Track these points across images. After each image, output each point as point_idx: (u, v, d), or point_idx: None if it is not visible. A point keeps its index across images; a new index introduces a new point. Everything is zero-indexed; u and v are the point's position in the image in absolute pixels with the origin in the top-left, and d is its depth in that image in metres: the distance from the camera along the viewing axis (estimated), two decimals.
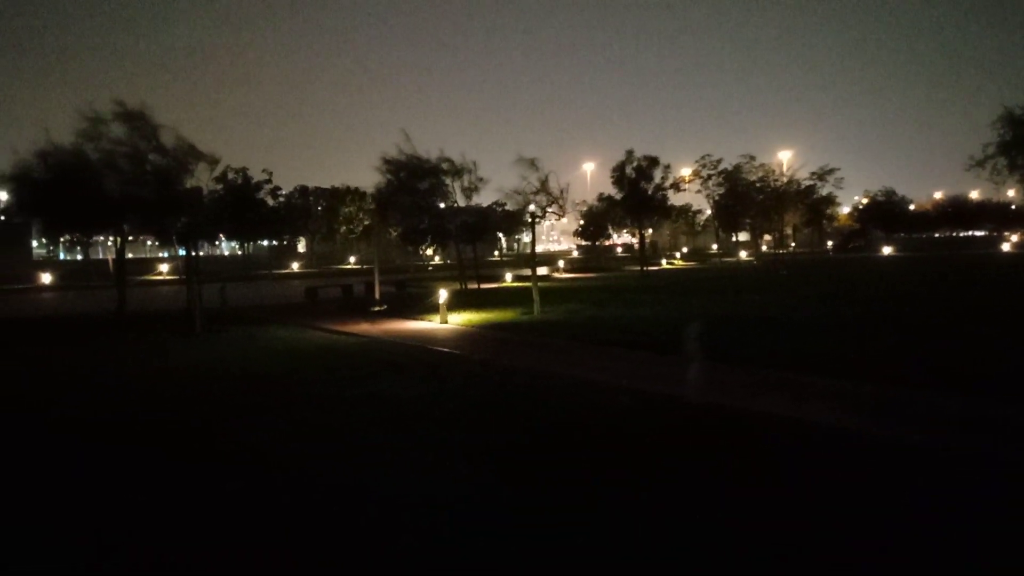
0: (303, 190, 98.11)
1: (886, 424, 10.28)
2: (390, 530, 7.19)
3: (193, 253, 29.34)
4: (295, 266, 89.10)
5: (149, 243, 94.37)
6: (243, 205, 61.12)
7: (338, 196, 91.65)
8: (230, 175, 64.63)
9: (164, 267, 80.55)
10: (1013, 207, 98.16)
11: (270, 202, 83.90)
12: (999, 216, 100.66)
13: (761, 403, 11.81)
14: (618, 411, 11.88)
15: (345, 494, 8.26)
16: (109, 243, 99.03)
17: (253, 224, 68.75)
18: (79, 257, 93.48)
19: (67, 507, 8.29)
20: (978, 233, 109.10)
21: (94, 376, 17.44)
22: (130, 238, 40.79)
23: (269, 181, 79.53)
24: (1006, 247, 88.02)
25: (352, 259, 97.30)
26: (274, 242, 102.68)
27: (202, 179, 29.49)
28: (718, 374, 13.38)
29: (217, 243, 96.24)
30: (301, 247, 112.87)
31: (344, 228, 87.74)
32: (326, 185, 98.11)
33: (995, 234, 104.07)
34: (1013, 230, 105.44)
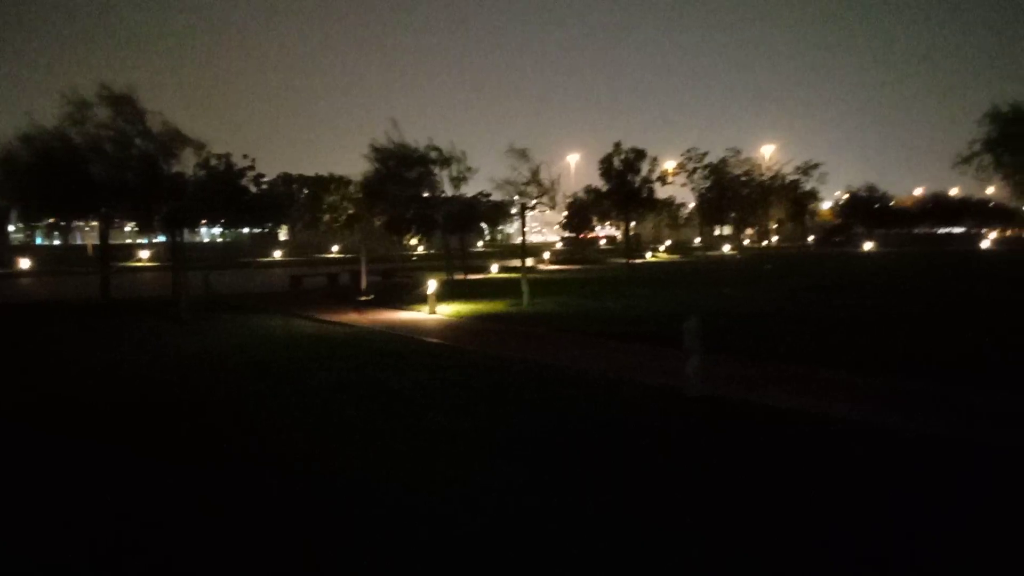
0: (286, 177, 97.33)
1: (885, 413, 10.29)
2: (414, 530, 7.08)
3: (178, 239, 29.01)
4: (277, 254, 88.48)
5: (128, 229, 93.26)
6: (226, 191, 60.43)
7: (322, 184, 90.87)
8: (212, 161, 63.85)
9: (144, 253, 79.70)
10: (992, 204, 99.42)
11: (253, 189, 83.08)
12: (979, 213, 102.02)
13: (755, 394, 11.79)
14: (620, 401, 11.84)
15: (365, 489, 8.13)
16: (87, 228, 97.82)
17: (236, 211, 68.05)
18: (56, 243, 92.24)
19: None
20: (957, 230, 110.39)
21: (78, 363, 17.15)
22: (114, 223, 40.23)
23: (252, 168, 78.45)
24: (985, 244, 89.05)
25: (335, 248, 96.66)
26: (256, 229, 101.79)
27: (187, 164, 29.17)
28: (717, 367, 13.34)
29: (198, 230, 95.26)
30: (283, 235, 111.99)
31: (328, 216, 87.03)
32: (310, 173, 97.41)
33: (975, 231, 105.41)
34: (992, 227, 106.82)
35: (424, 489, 7.93)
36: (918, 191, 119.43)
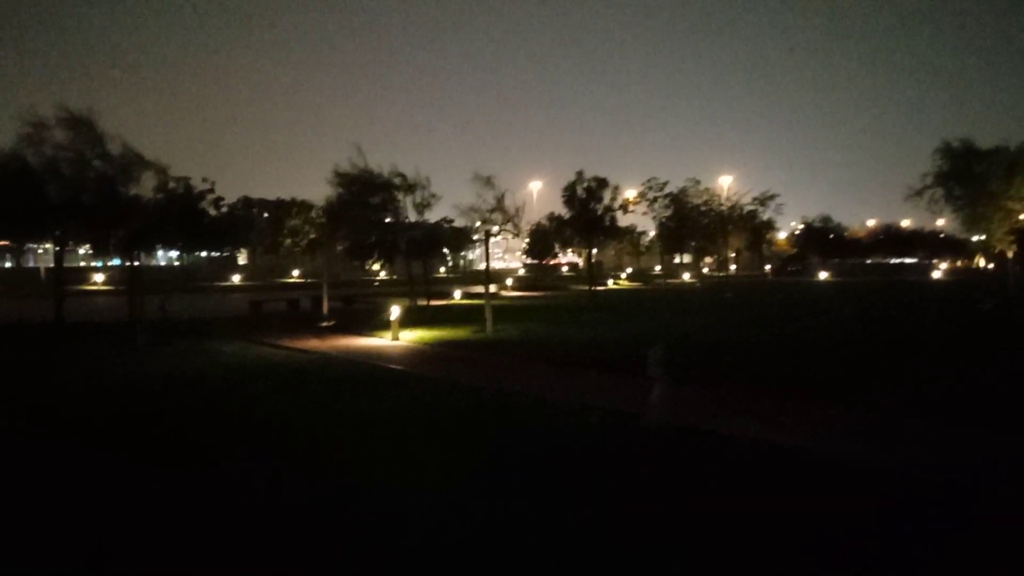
0: (247, 201, 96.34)
1: (830, 441, 10.48)
2: (376, 551, 7.00)
3: (134, 263, 28.51)
4: (236, 278, 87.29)
5: (83, 251, 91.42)
6: (184, 214, 59.63)
7: (284, 208, 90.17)
8: (171, 184, 63.02)
9: (99, 277, 78.05)
10: (943, 235, 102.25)
11: (212, 212, 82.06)
12: (930, 244, 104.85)
13: (719, 423, 11.92)
14: (584, 430, 11.86)
15: (321, 515, 8.02)
16: (40, 251, 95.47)
17: (194, 234, 67.18)
18: (8, 264, 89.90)
19: None
20: (909, 260, 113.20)
21: (29, 390, 16.69)
22: (69, 245, 39.37)
23: (212, 191, 77.74)
24: (936, 274, 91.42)
25: (296, 272, 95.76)
26: (215, 253, 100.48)
27: (146, 188, 28.77)
28: (681, 395, 13.45)
29: (155, 253, 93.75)
30: (242, 259, 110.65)
31: (289, 241, 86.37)
32: (271, 197, 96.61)
33: (926, 261, 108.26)
34: (942, 258, 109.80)
35: (376, 513, 7.86)
36: (871, 222, 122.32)
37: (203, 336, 27.42)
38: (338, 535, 7.48)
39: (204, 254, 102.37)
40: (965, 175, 39.16)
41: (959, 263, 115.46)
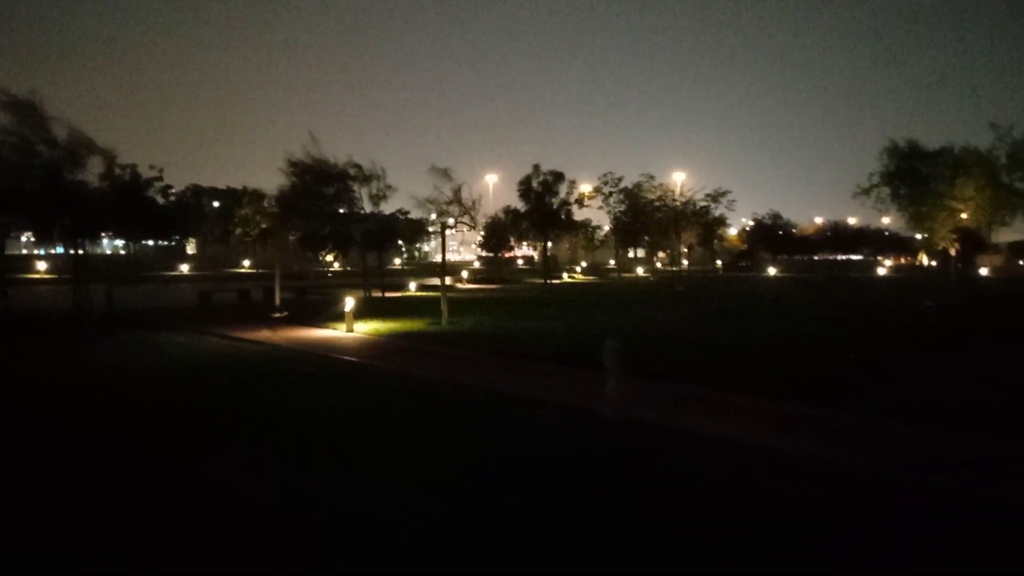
0: (196, 189, 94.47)
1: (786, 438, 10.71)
2: (328, 548, 6.93)
3: (80, 252, 27.72)
4: (185, 268, 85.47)
5: (24, 239, 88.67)
6: (131, 202, 58.16)
7: (235, 197, 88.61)
8: (117, 171, 61.39)
9: (42, 265, 75.78)
10: (888, 233, 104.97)
11: (160, 200, 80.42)
12: (876, 241, 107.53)
13: (674, 417, 12.07)
14: (538, 423, 11.90)
15: (278, 512, 7.91)
16: None
17: (141, 223, 65.61)
18: None
19: None
20: (856, 257, 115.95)
21: None
22: (10, 233, 38.12)
23: (160, 178, 76.38)
24: (881, 271, 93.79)
25: (247, 263, 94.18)
26: (163, 242, 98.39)
27: (91, 174, 27.90)
28: (633, 389, 13.58)
29: (101, 242, 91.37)
30: (191, 249, 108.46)
31: (240, 230, 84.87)
32: (222, 185, 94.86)
33: (872, 258, 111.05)
34: (887, 255, 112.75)
35: (321, 506, 7.79)
36: (819, 220, 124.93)
37: (151, 327, 26.79)
38: (284, 528, 7.40)
39: (152, 243, 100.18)
40: (911, 175, 40.25)
41: (903, 260, 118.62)
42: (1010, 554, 6.92)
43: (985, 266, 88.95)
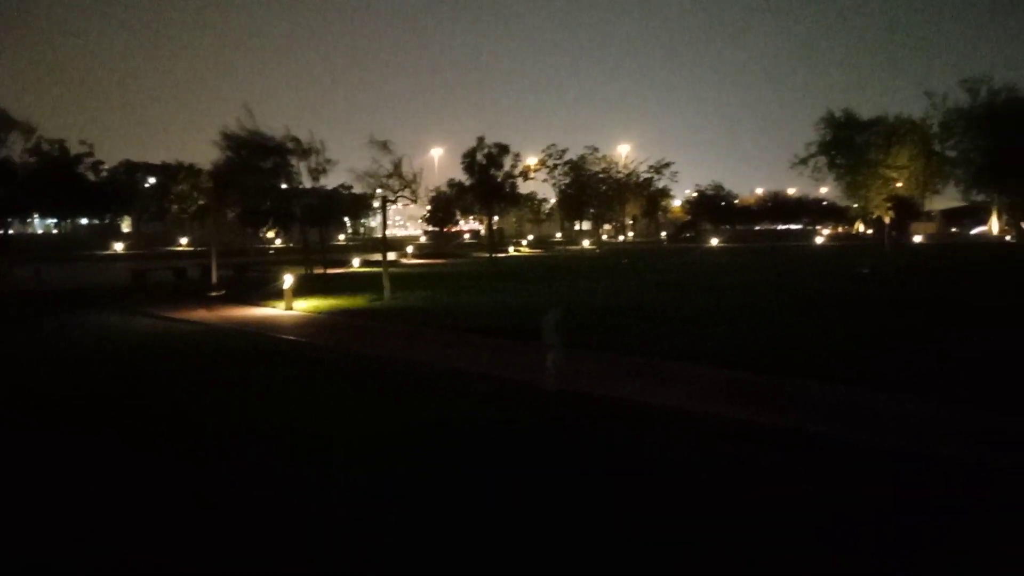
0: (130, 165, 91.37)
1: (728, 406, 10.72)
2: (265, 523, 6.64)
3: (6, 231, 26.49)
4: (119, 247, 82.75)
5: None
6: (60, 179, 55.97)
7: (170, 172, 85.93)
8: (44, 146, 58.91)
9: None
10: (825, 203, 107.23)
11: (92, 177, 77.67)
12: (814, 211, 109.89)
13: (613, 388, 12.00)
14: (476, 398, 11.71)
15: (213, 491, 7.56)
16: None
17: (72, 200, 63.31)
18: None
19: None
20: (795, 226, 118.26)
21: None
22: None
23: (90, 154, 73.62)
24: (819, 240, 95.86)
25: (184, 240, 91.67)
26: (96, 220, 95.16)
27: (14, 150, 26.60)
28: (576, 361, 13.47)
29: (30, 220, 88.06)
30: (126, 227, 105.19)
31: (176, 207, 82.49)
32: (156, 160, 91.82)
33: (810, 228, 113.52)
34: (825, 224, 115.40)
35: (263, 485, 7.50)
36: (759, 190, 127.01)
37: (82, 307, 25.84)
38: (205, 507, 7.09)
39: (85, 221, 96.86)
40: (846, 144, 40.92)
41: (840, 229, 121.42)
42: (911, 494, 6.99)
43: (919, 233, 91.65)
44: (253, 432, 9.94)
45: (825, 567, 5.99)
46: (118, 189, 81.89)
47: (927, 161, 40.69)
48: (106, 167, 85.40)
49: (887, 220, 44.25)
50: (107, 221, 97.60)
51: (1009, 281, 31.74)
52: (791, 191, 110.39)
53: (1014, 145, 36.44)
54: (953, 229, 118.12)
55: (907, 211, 57.50)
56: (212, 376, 13.83)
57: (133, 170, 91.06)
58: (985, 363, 13.83)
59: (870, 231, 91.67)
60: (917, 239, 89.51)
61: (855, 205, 43.26)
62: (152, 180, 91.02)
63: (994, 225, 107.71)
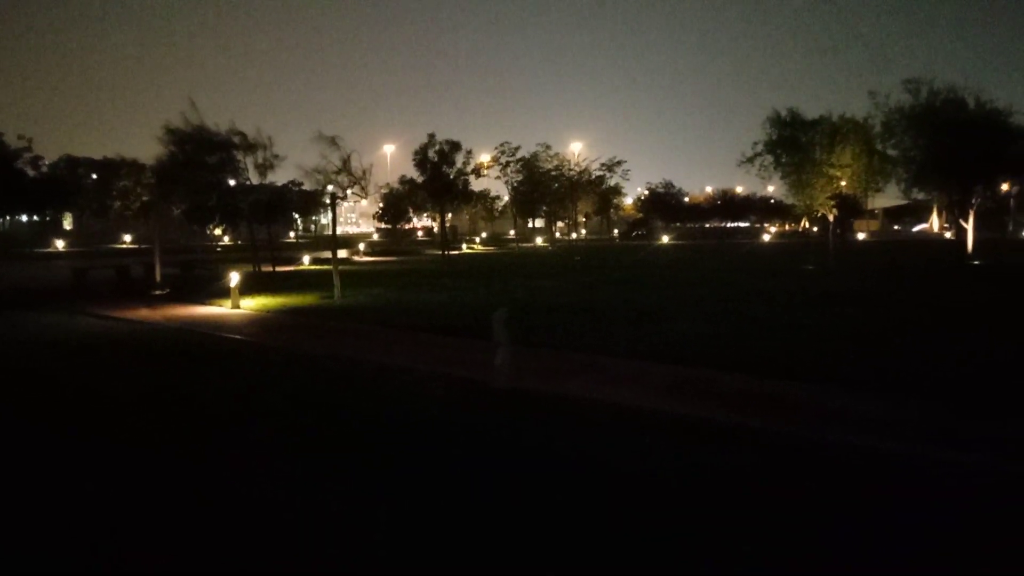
0: (71, 160, 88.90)
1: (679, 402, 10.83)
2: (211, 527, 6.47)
3: None
4: (60, 244, 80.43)
5: None
6: None
7: (112, 168, 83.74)
8: None
9: None
10: (772, 201, 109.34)
11: (31, 173, 75.43)
12: (762, 209, 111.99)
13: (563, 386, 12.03)
14: (426, 396, 11.63)
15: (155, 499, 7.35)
16: None
17: (10, 197, 61.36)
18: None
19: None
20: (743, 224, 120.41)
21: None
22: None
23: (29, 149, 71.58)
24: (766, 237, 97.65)
25: (128, 238, 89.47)
26: (35, 217, 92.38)
27: None
28: (526, 358, 13.47)
29: None
30: (68, 224, 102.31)
31: (119, 203, 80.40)
32: (98, 156, 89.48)
33: (758, 225, 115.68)
34: (772, 222, 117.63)
35: (209, 487, 7.32)
36: (709, 188, 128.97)
37: (17, 306, 25.01)
38: (150, 511, 6.90)
39: (25, 218, 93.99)
40: (792, 143, 41.64)
41: (787, 227, 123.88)
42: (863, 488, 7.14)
43: (862, 231, 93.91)
44: (177, 437, 9.72)
45: (784, 568, 6.06)
46: (59, 185, 79.61)
47: (869, 160, 41.56)
48: (46, 163, 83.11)
49: (831, 218, 45.17)
50: (47, 218, 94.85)
51: (943, 277, 32.77)
52: (739, 189, 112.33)
53: (953, 145, 37.47)
54: (895, 227, 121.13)
55: (850, 209, 58.91)
56: (153, 379, 13.48)
57: (74, 165, 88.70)
58: (920, 354, 14.21)
59: (815, 229, 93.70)
60: (860, 236, 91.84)
61: (800, 204, 44.00)
62: (94, 176, 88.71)
63: (934, 223, 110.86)
